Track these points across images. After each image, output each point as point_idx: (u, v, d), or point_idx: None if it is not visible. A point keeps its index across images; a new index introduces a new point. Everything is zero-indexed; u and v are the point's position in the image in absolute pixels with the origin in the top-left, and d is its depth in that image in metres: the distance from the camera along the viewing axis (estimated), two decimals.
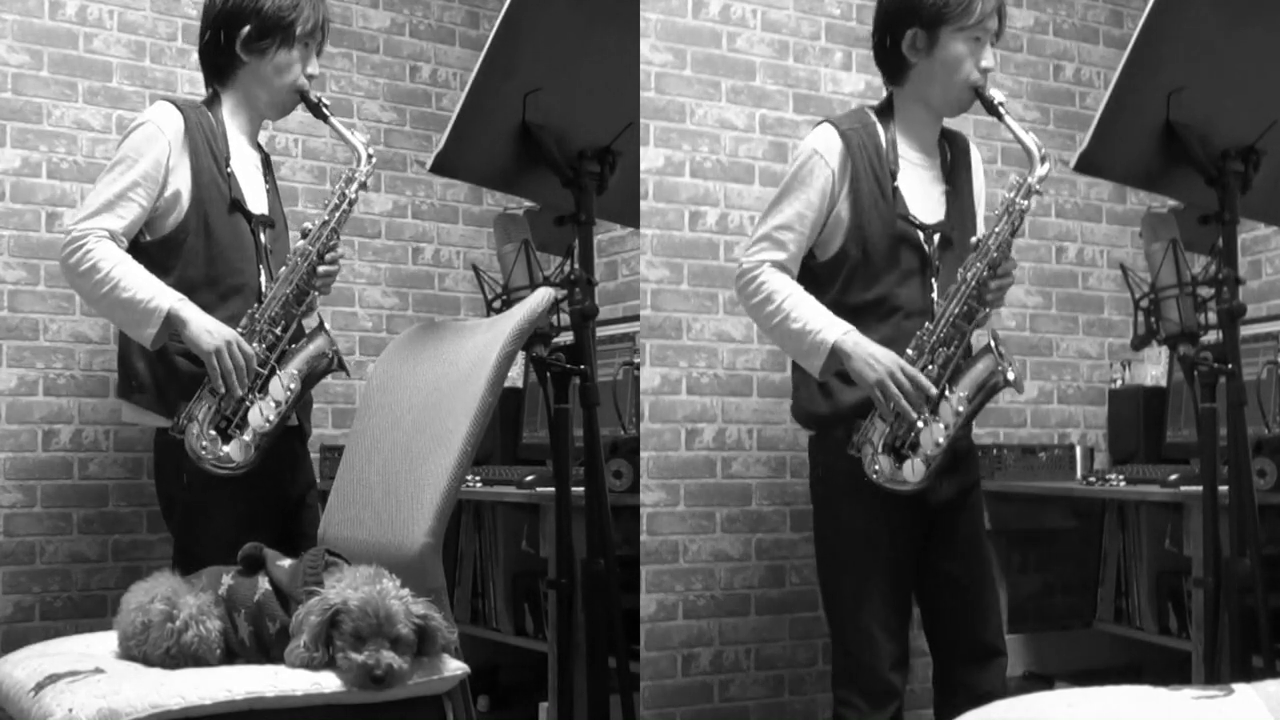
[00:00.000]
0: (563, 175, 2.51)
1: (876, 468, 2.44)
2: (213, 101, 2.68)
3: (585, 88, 2.54)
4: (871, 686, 2.51)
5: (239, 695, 1.81)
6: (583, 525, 2.53)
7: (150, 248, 2.56)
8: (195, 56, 2.77)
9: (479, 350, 2.24)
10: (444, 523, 2.09)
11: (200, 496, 2.53)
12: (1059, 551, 3.77)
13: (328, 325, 2.67)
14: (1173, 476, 3.02)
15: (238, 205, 2.62)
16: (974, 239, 2.52)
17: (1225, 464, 2.31)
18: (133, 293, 2.46)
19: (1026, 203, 2.47)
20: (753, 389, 3.34)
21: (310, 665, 1.87)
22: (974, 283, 2.45)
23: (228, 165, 2.62)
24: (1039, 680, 3.52)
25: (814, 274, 2.55)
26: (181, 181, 2.56)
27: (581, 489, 2.53)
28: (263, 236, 2.66)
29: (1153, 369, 3.71)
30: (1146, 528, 3.43)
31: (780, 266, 2.52)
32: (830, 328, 2.45)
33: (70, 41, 3.35)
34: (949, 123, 2.67)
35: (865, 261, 2.51)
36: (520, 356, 2.63)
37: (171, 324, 2.47)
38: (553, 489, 2.54)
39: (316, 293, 2.63)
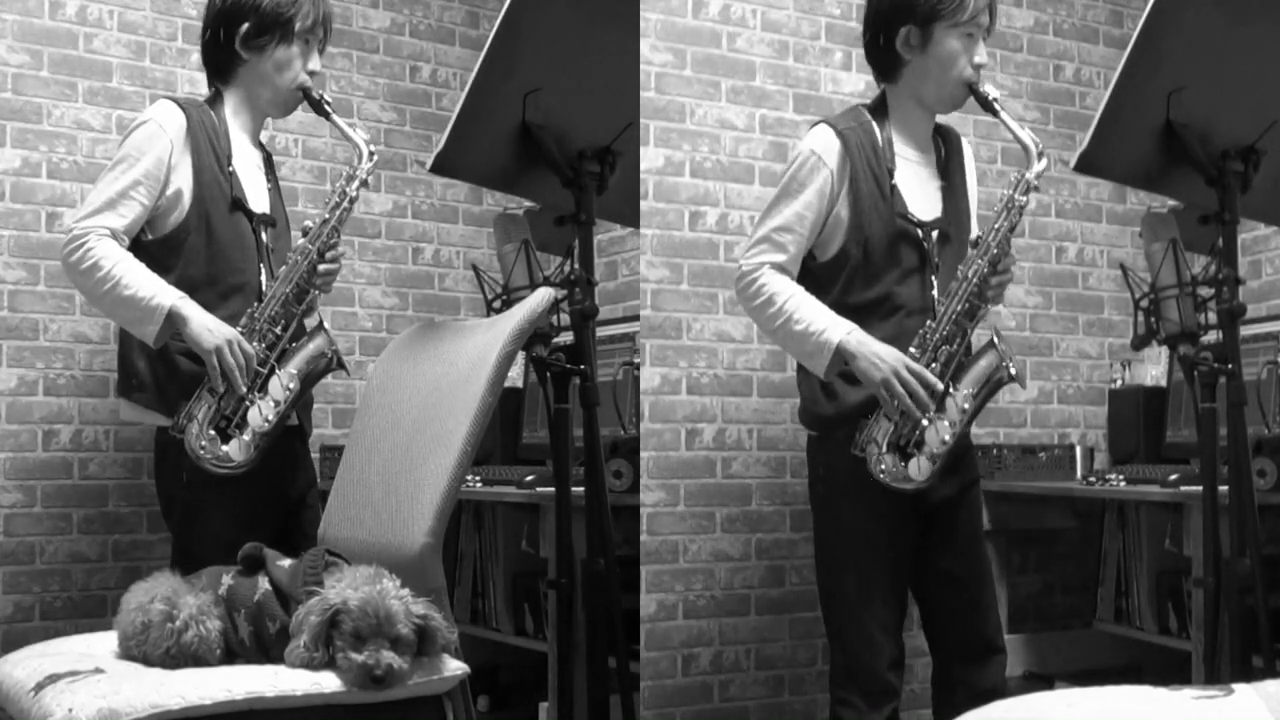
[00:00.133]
0: (563, 175, 2.50)
1: (883, 467, 2.43)
2: (215, 100, 2.69)
3: (585, 88, 2.54)
4: (870, 686, 2.51)
5: (239, 695, 1.81)
6: (583, 525, 2.53)
7: (151, 246, 2.57)
8: (196, 56, 2.78)
9: (479, 350, 2.24)
10: (444, 523, 2.09)
11: (200, 496, 2.53)
12: (1059, 551, 3.77)
13: (328, 325, 2.68)
14: (1173, 476, 3.01)
15: (239, 204, 2.62)
16: (974, 236, 2.53)
17: (1225, 464, 2.31)
18: (134, 290, 2.46)
19: (1025, 199, 2.47)
20: (753, 389, 3.34)
21: (310, 665, 1.87)
22: (975, 280, 2.45)
23: (229, 164, 2.62)
24: (1039, 680, 3.52)
25: (814, 275, 2.55)
26: (183, 180, 2.57)
27: (581, 489, 2.53)
28: (264, 235, 2.66)
29: (1153, 369, 3.70)
30: (1146, 528, 3.42)
31: (780, 268, 2.52)
32: (834, 328, 2.45)
33: (70, 41, 3.35)
34: (945, 119, 2.67)
35: (866, 261, 2.51)
36: (520, 356, 2.63)
37: (173, 322, 2.47)
38: (553, 489, 2.54)
39: (317, 291, 2.63)
